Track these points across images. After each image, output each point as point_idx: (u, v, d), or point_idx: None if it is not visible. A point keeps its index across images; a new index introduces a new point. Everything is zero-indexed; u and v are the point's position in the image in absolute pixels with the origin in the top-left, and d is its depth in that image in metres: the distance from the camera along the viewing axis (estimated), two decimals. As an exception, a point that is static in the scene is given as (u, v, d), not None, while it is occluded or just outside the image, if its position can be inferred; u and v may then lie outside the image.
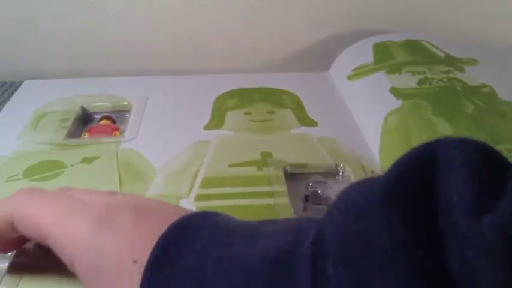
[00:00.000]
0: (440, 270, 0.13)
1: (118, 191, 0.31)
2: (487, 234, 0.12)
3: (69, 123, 0.39)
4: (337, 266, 0.14)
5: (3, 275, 0.25)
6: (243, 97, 0.44)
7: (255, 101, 0.44)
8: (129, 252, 0.18)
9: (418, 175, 0.14)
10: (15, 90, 0.46)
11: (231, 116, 0.41)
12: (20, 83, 0.47)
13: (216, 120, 0.40)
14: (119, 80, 0.48)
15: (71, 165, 0.34)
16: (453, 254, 0.13)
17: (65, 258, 0.20)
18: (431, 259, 0.13)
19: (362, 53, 0.48)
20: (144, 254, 0.18)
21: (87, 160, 0.34)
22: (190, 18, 0.52)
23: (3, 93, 0.47)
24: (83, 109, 0.42)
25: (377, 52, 0.48)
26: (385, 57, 0.46)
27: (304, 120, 0.41)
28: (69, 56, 0.53)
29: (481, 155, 0.14)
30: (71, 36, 0.52)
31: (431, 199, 0.14)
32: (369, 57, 0.47)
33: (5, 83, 0.49)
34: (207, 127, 0.39)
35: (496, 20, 0.54)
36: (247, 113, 0.42)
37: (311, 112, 0.42)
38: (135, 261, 0.18)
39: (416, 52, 0.47)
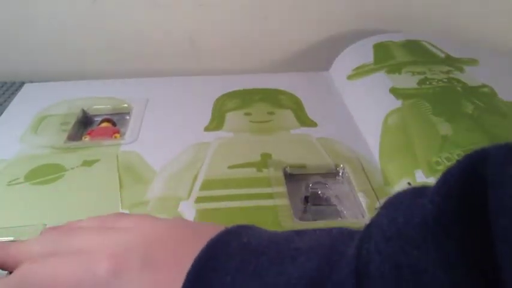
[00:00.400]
0: None
1: (118, 194, 0.31)
2: None
3: (69, 126, 0.39)
4: None
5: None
6: (243, 98, 0.44)
7: (255, 102, 0.44)
8: None
9: (472, 194, 0.13)
10: (16, 90, 0.46)
11: (231, 117, 0.41)
12: (20, 83, 0.48)
13: (216, 122, 0.40)
14: (119, 82, 0.48)
15: (72, 168, 0.34)
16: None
17: None
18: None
19: (362, 53, 0.48)
20: None
21: (87, 163, 0.34)
22: (190, 19, 0.52)
23: (3, 93, 0.47)
24: (84, 112, 0.42)
25: (377, 52, 0.48)
26: (385, 57, 0.46)
27: (304, 120, 0.41)
28: (68, 56, 0.53)
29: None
30: (70, 36, 0.52)
31: (487, 222, 0.13)
32: (369, 57, 0.47)
33: (5, 83, 0.49)
34: (207, 128, 0.39)
35: (496, 20, 0.54)
36: (247, 114, 0.42)
37: (311, 112, 0.42)
38: None
39: (416, 52, 0.47)
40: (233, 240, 0.18)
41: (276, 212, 0.30)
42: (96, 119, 0.42)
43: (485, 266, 0.12)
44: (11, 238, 0.28)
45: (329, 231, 0.18)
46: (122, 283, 0.19)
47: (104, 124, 0.41)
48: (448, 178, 0.14)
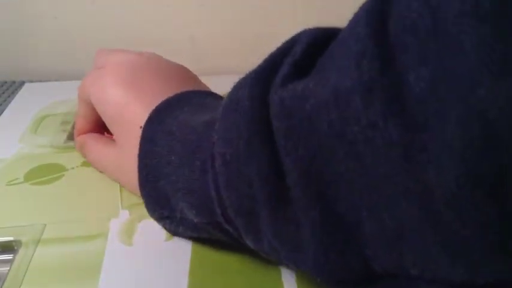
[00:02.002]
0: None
1: (118, 194, 0.31)
2: (275, 101, 0.19)
3: (69, 126, 0.39)
4: (219, 121, 0.22)
5: (4, 280, 0.25)
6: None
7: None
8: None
9: (278, 61, 0.20)
10: (16, 89, 0.46)
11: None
12: (20, 83, 0.48)
13: (217, 122, 0.40)
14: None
15: (72, 168, 0.34)
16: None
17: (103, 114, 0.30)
18: (268, 117, 0.19)
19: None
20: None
21: (87, 163, 0.34)
22: (190, 19, 0.52)
23: (3, 93, 0.47)
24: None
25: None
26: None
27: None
28: (68, 56, 0.53)
29: (311, 45, 0.19)
30: (70, 36, 0.52)
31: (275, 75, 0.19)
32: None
33: (5, 82, 0.49)
34: (207, 129, 0.39)
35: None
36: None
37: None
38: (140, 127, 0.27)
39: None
40: (195, 96, 0.28)
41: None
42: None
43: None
44: (11, 238, 0.28)
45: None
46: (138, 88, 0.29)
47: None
48: (276, 49, 0.21)
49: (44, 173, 0.33)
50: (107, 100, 0.29)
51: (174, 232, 0.27)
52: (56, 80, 0.48)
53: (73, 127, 0.39)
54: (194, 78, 0.33)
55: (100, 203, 0.31)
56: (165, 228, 0.28)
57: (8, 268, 0.26)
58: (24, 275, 0.25)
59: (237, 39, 0.54)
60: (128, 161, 0.27)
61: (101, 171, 0.33)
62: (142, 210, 0.30)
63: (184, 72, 0.33)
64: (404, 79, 0.15)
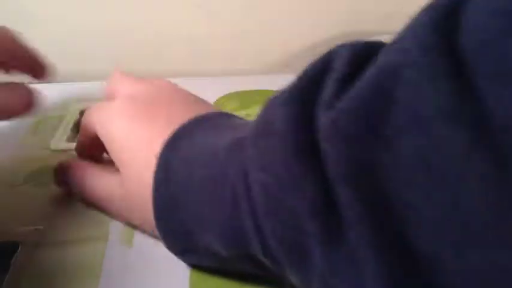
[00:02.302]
0: (312, 144, 0.17)
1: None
2: (325, 122, 0.17)
3: (69, 128, 0.39)
4: (252, 145, 0.20)
5: (3, 283, 0.25)
6: (243, 99, 0.44)
7: (254, 103, 0.44)
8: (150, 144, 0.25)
9: (315, 78, 0.18)
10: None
11: (231, 119, 0.41)
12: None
13: (216, 123, 0.40)
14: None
15: (71, 169, 0.34)
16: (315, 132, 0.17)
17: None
18: (308, 138, 0.17)
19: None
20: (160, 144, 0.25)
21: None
22: (188, 20, 0.52)
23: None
24: (83, 113, 0.42)
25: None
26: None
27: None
28: (68, 56, 0.53)
29: (354, 59, 0.18)
30: (70, 37, 0.52)
31: (318, 94, 0.18)
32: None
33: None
34: (207, 130, 0.39)
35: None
36: (247, 116, 0.42)
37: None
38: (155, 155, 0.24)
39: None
40: (214, 118, 0.26)
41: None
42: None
43: (311, 121, 0.18)
44: (10, 240, 0.28)
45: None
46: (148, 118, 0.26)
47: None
48: (309, 66, 0.19)
49: (44, 175, 0.33)
50: (114, 129, 0.27)
51: (196, 264, 0.26)
52: (57, 82, 0.48)
53: (72, 129, 0.40)
54: (207, 105, 0.30)
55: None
56: (185, 261, 0.26)
57: (7, 271, 0.26)
58: (23, 278, 0.25)
59: (236, 41, 0.54)
60: (137, 192, 0.25)
61: (96, 205, 0.29)
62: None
63: (197, 100, 0.30)
64: (484, 104, 0.13)
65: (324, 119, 0.17)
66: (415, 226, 0.15)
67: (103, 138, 0.27)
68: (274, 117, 0.19)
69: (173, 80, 0.48)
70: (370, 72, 0.16)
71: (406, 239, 0.15)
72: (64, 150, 0.37)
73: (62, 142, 0.38)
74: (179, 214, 0.23)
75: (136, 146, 0.25)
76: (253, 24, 0.53)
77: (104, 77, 0.49)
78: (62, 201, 0.31)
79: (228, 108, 0.43)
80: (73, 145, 0.37)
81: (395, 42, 0.16)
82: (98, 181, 0.28)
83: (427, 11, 0.15)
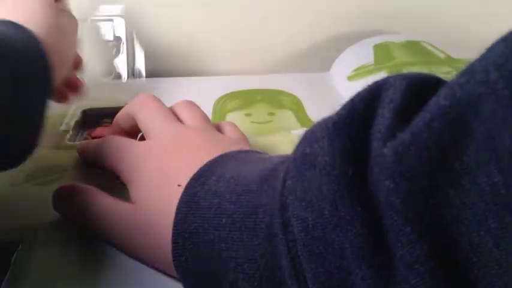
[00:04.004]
0: (360, 181, 0.17)
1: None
2: (386, 155, 0.15)
3: (70, 127, 0.39)
4: (292, 178, 0.19)
5: (4, 281, 0.25)
6: (244, 99, 0.44)
7: (255, 103, 0.44)
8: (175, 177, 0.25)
9: (363, 108, 0.17)
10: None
11: (231, 118, 0.41)
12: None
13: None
14: (119, 82, 0.48)
15: (73, 168, 0.34)
16: (368, 167, 0.16)
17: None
18: (356, 173, 0.17)
19: (362, 53, 0.48)
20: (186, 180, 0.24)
21: (88, 164, 0.34)
22: (190, 19, 0.52)
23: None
24: (84, 112, 0.42)
25: (377, 53, 0.48)
26: (385, 58, 0.46)
27: (305, 121, 0.41)
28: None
29: (410, 90, 0.17)
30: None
31: (369, 129, 0.17)
32: (369, 58, 0.47)
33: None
34: (207, 129, 0.39)
35: (496, 21, 0.54)
36: (247, 115, 0.42)
37: (311, 113, 0.42)
38: (179, 185, 0.24)
39: (417, 53, 0.47)
40: (237, 155, 0.25)
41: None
42: (96, 119, 0.42)
43: (357, 154, 0.17)
44: (11, 239, 0.28)
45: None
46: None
47: (104, 124, 0.41)
48: (354, 97, 0.18)
49: (45, 174, 0.33)
50: (143, 167, 0.27)
51: None
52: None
53: (74, 128, 0.40)
54: (231, 143, 0.29)
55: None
56: None
57: (8, 269, 0.26)
58: (24, 276, 0.25)
59: (236, 40, 0.54)
60: (155, 224, 0.24)
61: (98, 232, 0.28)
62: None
63: (220, 138, 0.29)
64: None
65: (386, 150, 0.15)
66: (481, 272, 0.14)
67: (119, 166, 0.29)
68: (316, 150, 0.18)
69: (174, 80, 0.48)
70: (438, 103, 0.15)
71: (468, 282, 0.15)
72: (66, 149, 0.36)
73: (64, 141, 0.38)
74: (201, 251, 0.22)
75: (161, 179, 0.25)
76: (255, 24, 0.53)
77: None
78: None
79: (229, 107, 0.43)
80: (74, 144, 0.37)
81: (466, 73, 0.15)
82: (107, 209, 0.27)
83: (503, 40, 0.14)
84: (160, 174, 0.26)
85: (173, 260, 0.22)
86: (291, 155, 0.20)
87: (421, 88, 0.17)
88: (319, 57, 0.54)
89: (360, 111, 0.17)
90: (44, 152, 0.36)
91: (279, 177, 0.20)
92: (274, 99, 0.44)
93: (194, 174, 0.24)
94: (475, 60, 0.15)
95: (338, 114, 0.18)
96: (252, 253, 0.20)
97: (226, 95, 0.45)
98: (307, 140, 0.19)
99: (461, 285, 0.15)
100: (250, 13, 0.52)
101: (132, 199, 0.27)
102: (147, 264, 0.25)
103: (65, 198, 0.28)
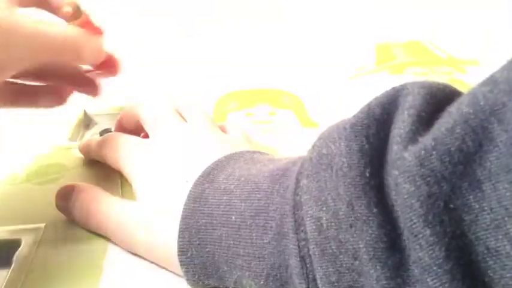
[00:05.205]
0: (379, 183, 0.17)
1: (119, 194, 0.31)
2: (407, 159, 0.16)
3: (71, 126, 0.39)
4: (308, 178, 0.19)
5: (4, 281, 0.25)
6: (245, 99, 0.44)
7: (256, 103, 0.44)
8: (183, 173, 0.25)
9: (381, 113, 0.18)
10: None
11: (232, 118, 0.41)
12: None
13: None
14: (119, 82, 0.48)
15: (73, 168, 0.34)
16: (386, 170, 0.17)
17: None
18: (374, 175, 0.17)
19: (364, 53, 0.48)
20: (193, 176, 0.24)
21: (88, 163, 0.34)
22: (190, 18, 0.52)
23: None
24: (85, 112, 0.42)
25: (379, 52, 0.48)
26: (387, 57, 0.46)
27: (306, 121, 0.41)
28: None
29: (429, 97, 0.17)
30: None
31: (387, 132, 0.17)
32: (371, 58, 0.47)
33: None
34: (208, 129, 0.39)
35: (496, 21, 0.54)
36: (248, 115, 0.42)
37: (312, 113, 0.42)
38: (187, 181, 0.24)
39: (418, 53, 0.47)
40: (245, 154, 0.25)
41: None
42: (97, 119, 0.42)
43: (375, 157, 0.17)
44: (11, 238, 0.28)
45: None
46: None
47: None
48: (372, 102, 0.18)
49: (45, 173, 0.33)
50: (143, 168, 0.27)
51: None
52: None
53: (75, 128, 0.40)
54: (240, 144, 0.29)
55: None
56: None
57: (8, 268, 0.26)
58: (24, 275, 0.25)
59: (237, 40, 0.54)
60: (161, 221, 0.24)
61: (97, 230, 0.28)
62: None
63: (228, 139, 0.29)
64: None
65: (407, 154, 0.16)
66: (496, 275, 0.15)
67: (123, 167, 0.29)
68: (333, 151, 0.18)
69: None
70: (461, 110, 0.15)
71: (483, 285, 0.15)
72: (66, 149, 0.36)
73: (64, 140, 0.38)
74: (207, 247, 0.22)
75: (167, 176, 0.25)
76: (255, 24, 0.53)
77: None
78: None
79: (230, 107, 0.43)
80: (75, 144, 0.37)
81: (489, 83, 0.15)
82: (110, 206, 0.27)
83: None
84: (166, 171, 0.26)
85: (178, 255, 0.23)
86: (306, 155, 0.20)
87: (439, 96, 0.17)
88: (320, 57, 0.54)
89: (378, 115, 0.18)
90: (44, 151, 0.36)
91: (292, 177, 0.20)
92: (275, 99, 0.44)
93: (203, 172, 0.24)
94: (498, 71, 0.15)
95: (355, 117, 0.18)
96: (260, 251, 0.20)
97: (227, 95, 0.45)
98: (323, 140, 0.19)
99: (477, 287, 0.15)
100: (250, 13, 0.52)
101: (136, 195, 0.27)
102: (150, 260, 0.26)
103: (68, 197, 0.28)
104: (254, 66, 0.53)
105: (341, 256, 0.17)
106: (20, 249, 0.27)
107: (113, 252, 0.27)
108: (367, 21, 0.54)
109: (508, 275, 0.14)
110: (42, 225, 0.29)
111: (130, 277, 0.25)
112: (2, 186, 0.32)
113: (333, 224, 0.17)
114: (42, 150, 0.36)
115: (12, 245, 0.27)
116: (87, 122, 0.42)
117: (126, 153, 0.29)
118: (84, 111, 0.42)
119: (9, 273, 0.25)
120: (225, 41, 0.55)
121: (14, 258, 0.26)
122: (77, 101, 0.43)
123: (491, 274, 0.15)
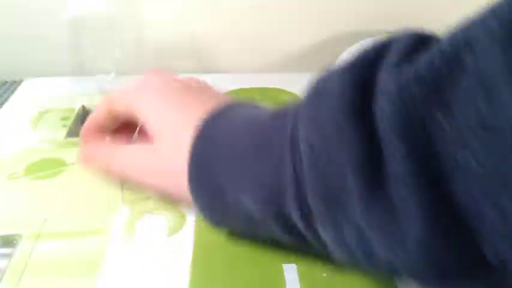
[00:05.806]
0: (367, 110, 0.18)
1: (119, 189, 0.31)
2: (390, 86, 0.17)
3: (69, 122, 0.39)
4: (303, 107, 0.21)
5: (3, 275, 0.25)
6: (244, 97, 0.44)
7: (256, 101, 0.44)
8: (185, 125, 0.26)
9: (374, 54, 0.19)
10: (15, 85, 0.46)
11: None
12: (21, 82, 0.47)
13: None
14: (119, 78, 0.48)
15: (72, 163, 0.34)
16: (375, 98, 0.18)
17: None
18: (363, 102, 0.18)
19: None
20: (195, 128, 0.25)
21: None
22: (191, 18, 0.52)
23: (4, 93, 0.46)
24: (84, 107, 0.42)
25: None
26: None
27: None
28: (70, 54, 0.53)
29: (419, 40, 0.19)
30: (70, 33, 0.52)
31: (378, 69, 0.19)
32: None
33: (6, 82, 0.49)
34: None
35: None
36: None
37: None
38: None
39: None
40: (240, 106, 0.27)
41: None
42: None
43: (368, 89, 0.18)
44: (11, 232, 0.28)
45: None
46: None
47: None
48: (367, 47, 0.20)
49: (44, 168, 0.33)
50: (154, 101, 0.28)
51: (216, 222, 0.26)
52: (55, 76, 0.48)
53: (73, 122, 0.40)
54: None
55: (100, 198, 0.31)
56: (205, 217, 0.26)
57: (8, 262, 0.26)
58: (24, 270, 0.25)
59: (237, 39, 0.54)
60: (173, 154, 0.26)
61: (115, 175, 0.31)
62: (143, 205, 0.30)
63: (224, 94, 0.32)
64: None
65: (391, 83, 0.17)
66: (461, 183, 0.16)
67: (142, 112, 0.28)
68: (328, 84, 0.20)
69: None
70: (440, 46, 0.17)
71: (450, 196, 0.16)
72: (65, 144, 0.36)
73: (63, 135, 0.38)
74: (217, 177, 0.24)
75: (176, 113, 0.27)
76: (255, 24, 0.53)
77: (105, 72, 0.50)
78: (63, 195, 0.31)
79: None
80: (74, 139, 0.37)
81: (468, 21, 0.17)
82: (127, 150, 0.29)
83: None
84: (178, 111, 0.27)
85: (188, 181, 0.25)
86: (305, 90, 0.22)
87: (424, 43, 0.19)
88: (319, 57, 0.54)
89: (372, 56, 0.19)
90: (43, 147, 0.36)
91: (292, 114, 0.22)
92: (275, 98, 0.44)
93: (212, 110, 0.26)
94: (477, 13, 0.17)
95: (346, 64, 0.20)
96: (263, 179, 0.22)
97: (226, 93, 0.45)
98: (316, 81, 0.21)
99: (444, 198, 0.16)
100: (250, 12, 0.52)
101: (150, 136, 0.28)
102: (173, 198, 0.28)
103: (91, 149, 0.31)
104: (254, 66, 0.53)
105: (329, 173, 0.19)
106: (19, 244, 0.27)
107: (112, 248, 0.27)
108: (367, 22, 0.54)
109: (471, 184, 0.16)
110: (42, 220, 0.29)
111: (130, 273, 0.25)
112: (2, 181, 0.32)
113: (323, 144, 0.19)
114: (41, 145, 0.36)
115: (11, 240, 0.27)
116: (85, 117, 0.42)
117: (140, 99, 0.29)
118: (83, 106, 0.42)
119: (8, 268, 0.25)
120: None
121: (13, 253, 0.26)
122: (75, 96, 0.43)
123: (457, 186, 0.16)
